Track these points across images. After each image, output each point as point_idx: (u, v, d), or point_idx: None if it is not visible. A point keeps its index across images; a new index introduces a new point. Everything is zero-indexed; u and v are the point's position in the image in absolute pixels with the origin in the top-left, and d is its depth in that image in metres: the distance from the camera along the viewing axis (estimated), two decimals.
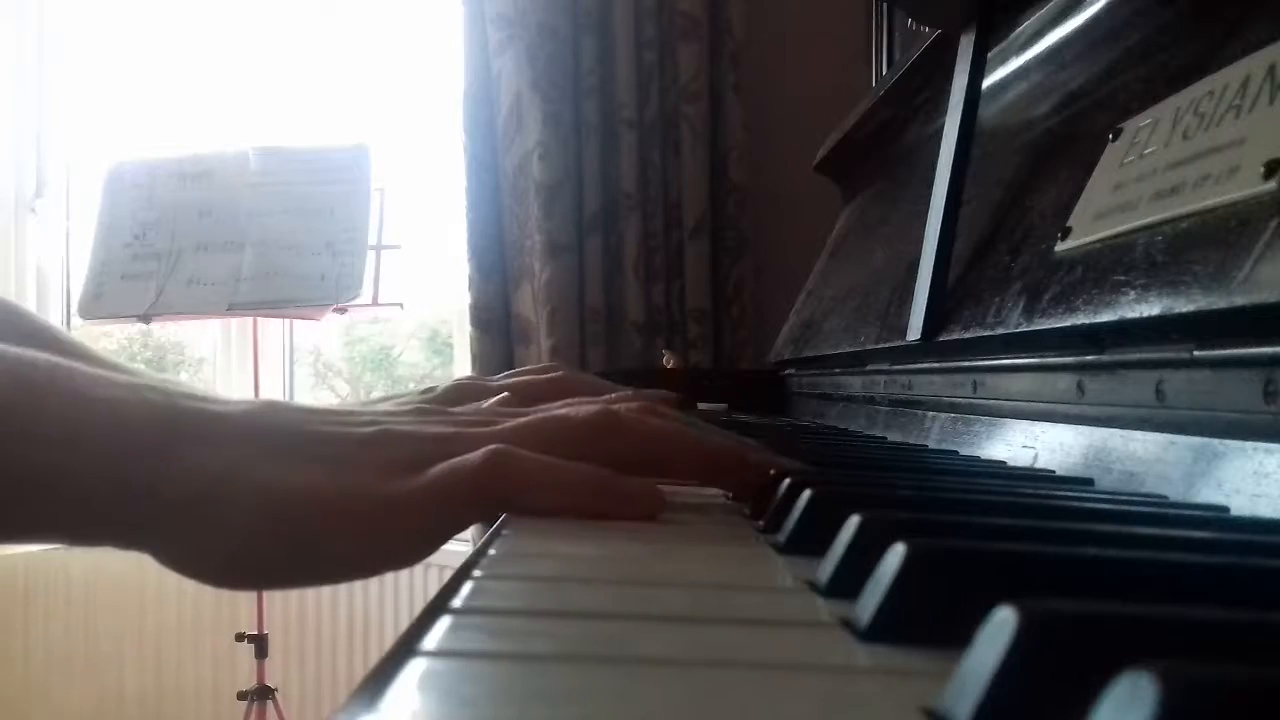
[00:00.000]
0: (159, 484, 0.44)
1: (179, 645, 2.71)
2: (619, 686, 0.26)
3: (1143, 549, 0.37)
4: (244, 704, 2.30)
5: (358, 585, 2.62)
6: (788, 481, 0.50)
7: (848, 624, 0.32)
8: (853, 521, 0.37)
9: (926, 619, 0.30)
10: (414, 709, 0.24)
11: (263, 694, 2.31)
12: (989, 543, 0.34)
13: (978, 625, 0.25)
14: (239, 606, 2.50)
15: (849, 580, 0.35)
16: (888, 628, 0.30)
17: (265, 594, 2.35)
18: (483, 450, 0.48)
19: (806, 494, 0.45)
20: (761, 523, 0.51)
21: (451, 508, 0.48)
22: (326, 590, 2.65)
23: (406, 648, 0.29)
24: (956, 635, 0.28)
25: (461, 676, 0.26)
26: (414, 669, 0.26)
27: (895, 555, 0.31)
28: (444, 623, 0.31)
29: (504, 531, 0.47)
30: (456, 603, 0.33)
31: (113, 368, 0.54)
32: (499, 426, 0.52)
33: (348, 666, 2.63)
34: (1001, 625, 0.22)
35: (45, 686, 2.68)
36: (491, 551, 0.43)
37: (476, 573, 0.38)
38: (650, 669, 0.27)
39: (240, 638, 2.34)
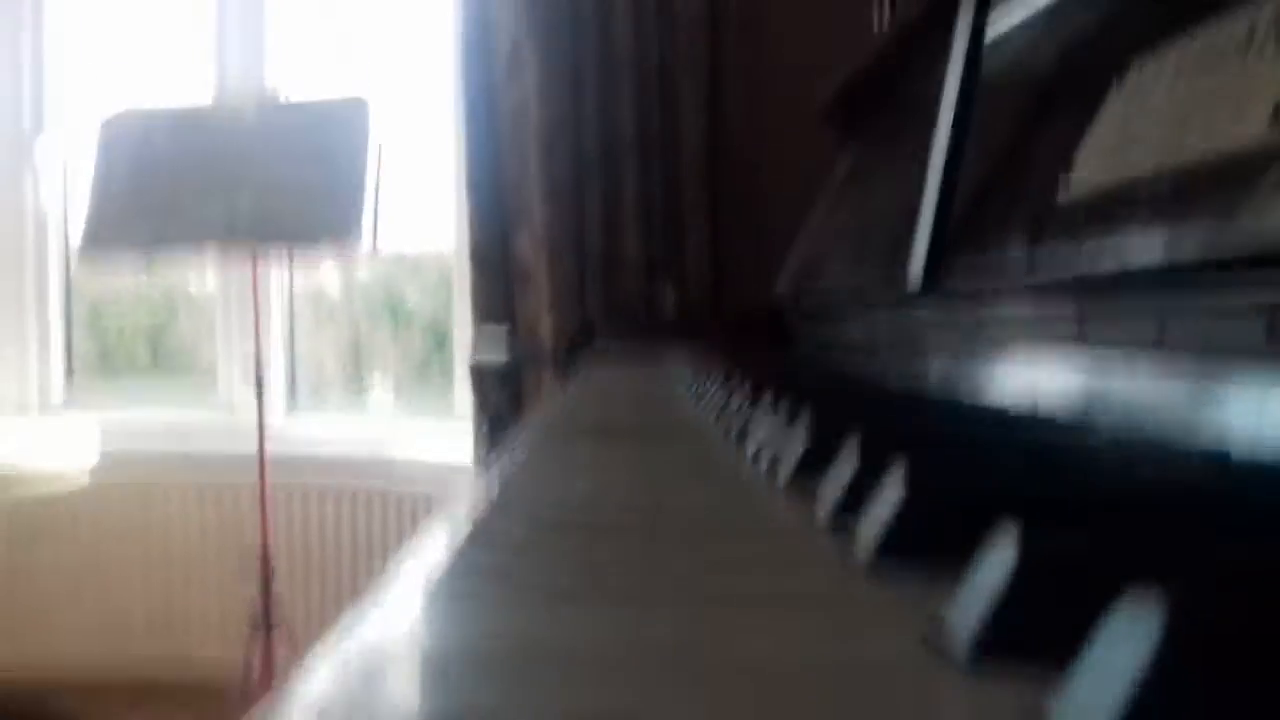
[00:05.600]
0: None
1: (186, 574, 2.74)
2: (624, 616, 0.26)
3: (1144, 488, 0.37)
4: (250, 630, 2.33)
5: (361, 516, 2.65)
6: (788, 411, 0.50)
7: (847, 550, 0.32)
8: (852, 448, 0.37)
9: (927, 545, 0.30)
10: (415, 632, 0.25)
11: (269, 620, 2.34)
12: (989, 474, 0.34)
13: (978, 551, 0.25)
14: (244, 535, 2.52)
15: (849, 510, 0.35)
16: (889, 553, 0.30)
17: (270, 522, 2.37)
18: None
19: (806, 422, 0.45)
20: (765, 460, 0.51)
21: None
22: (330, 520, 2.68)
23: (408, 574, 0.29)
24: (958, 561, 0.28)
25: (462, 607, 0.26)
26: (416, 594, 0.27)
27: (896, 479, 0.31)
28: (446, 554, 0.31)
29: (506, 466, 0.47)
30: (459, 537, 0.34)
31: None
32: None
33: (353, 593, 2.64)
34: (1004, 549, 0.23)
35: (55, 616, 2.71)
36: (495, 487, 0.43)
37: (480, 508, 0.38)
38: (652, 601, 0.28)
39: (246, 566, 2.37)
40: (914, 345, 1.03)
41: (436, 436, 2.70)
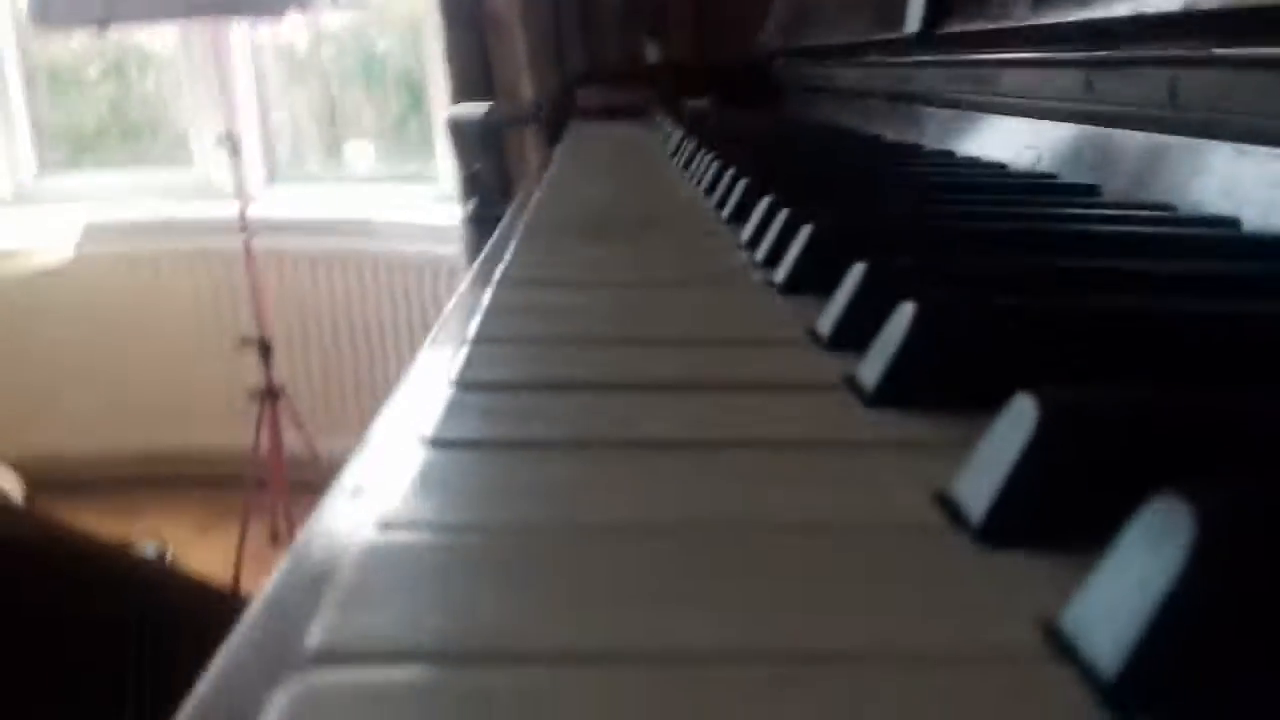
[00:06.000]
0: None
1: (185, 352, 2.75)
2: (619, 475, 0.25)
3: (1156, 289, 0.36)
4: (254, 405, 2.37)
5: (354, 284, 2.64)
6: (786, 213, 0.48)
7: (852, 384, 0.31)
8: (856, 271, 0.35)
9: (936, 383, 0.29)
10: (411, 506, 0.24)
11: (272, 393, 2.37)
12: (999, 293, 0.32)
13: (990, 386, 0.24)
14: (240, 312, 2.52)
15: (853, 333, 0.34)
16: (894, 393, 0.29)
17: (262, 299, 2.37)
18: None
19: (806, 231, 0.43)
20: (760, 255, 0.49)
21: None
22: (324, 292, 2.67)
23: (404, 430, 0.28)
24: (967, 399, 0.27)
25: (460, 470, 0.25)
26: (412, 460, 0.26)
27: (904, 315, 0.30)
28: (442, 400, 0.30)
29: (496, 279, 0.46)
30: (453, 374, 0.33)
31: None
32: None
33: (354, 363, 2.68)
34: (1021, 416, 0.21)
35: (57, 397, 2.75)
36: (485, 304, 0.41)
37: (471, 335, 0.37)
38: (652, 453, 0.27)
39: (244, 342, 2.38)
40: (911, 96, 0.99)
41: (419, 190, 2.66)
